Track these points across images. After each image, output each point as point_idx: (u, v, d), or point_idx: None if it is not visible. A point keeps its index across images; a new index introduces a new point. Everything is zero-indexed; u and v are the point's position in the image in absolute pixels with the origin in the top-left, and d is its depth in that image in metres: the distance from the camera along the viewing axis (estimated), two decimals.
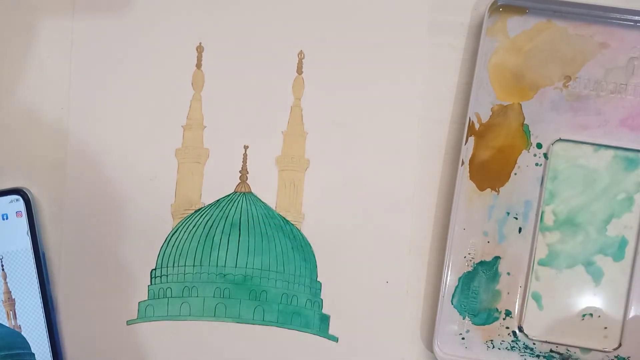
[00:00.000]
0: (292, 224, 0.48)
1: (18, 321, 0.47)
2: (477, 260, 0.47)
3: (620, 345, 0.46)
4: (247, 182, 0.48)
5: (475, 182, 0.47)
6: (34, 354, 0.47)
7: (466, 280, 0.47)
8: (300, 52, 0.48)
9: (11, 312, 0.47)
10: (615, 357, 0.46)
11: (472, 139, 0.47)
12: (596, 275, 0.46)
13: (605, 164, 0.46)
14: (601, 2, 0.45)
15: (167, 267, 0.48)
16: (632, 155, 0.46)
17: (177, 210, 0.48)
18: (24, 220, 0.47)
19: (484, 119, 0.47)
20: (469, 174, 0.47)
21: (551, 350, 0.47)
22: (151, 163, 0.48)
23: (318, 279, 0.48)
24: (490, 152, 0.47)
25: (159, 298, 0.48)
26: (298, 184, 0.48)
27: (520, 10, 0.46)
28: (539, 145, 0.47)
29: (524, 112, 0.47)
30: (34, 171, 0.48)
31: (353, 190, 0.47)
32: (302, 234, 0.48)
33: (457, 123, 0.47)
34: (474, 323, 0.47)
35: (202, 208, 0.48)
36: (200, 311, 0.48)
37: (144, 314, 0.48)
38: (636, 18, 0.46)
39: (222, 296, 0.48)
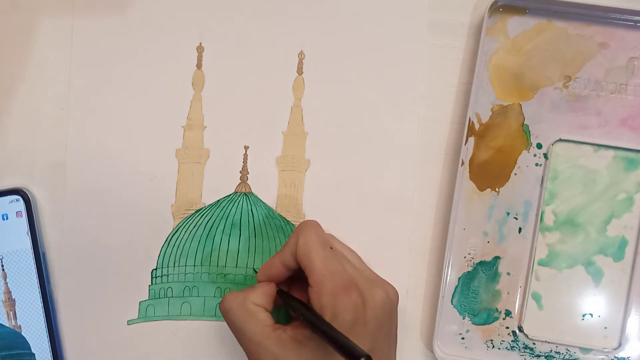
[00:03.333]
0: (293, 224, 0.48)
1: (18, 321, 0.47)
2: (477, 260, 0.47)
3: (620, 345, 0.46)
4: (248, 182, 0.48)
5: (475, 182, 0.47)
6: (34, 354, 0.47)
7: (466, 280, 0.47)
8: (300, 52, 0.48)
9: (11, 312, 0.47)
10: (615, 357, 0.46)
11: (472, 139, 0.47)
12: (596, 276, 0.46)
13: (606, 164, 0.46)
14: (601, 2, 0.45)
15: (167, 267, 0.48)
16: (632, 155, 0.46)
17: (177, 211, 0.48)
18: (24, 220, 0.47)
19: (484, 119, 0.47)
20: (468, 174, 0.47)
21: (551, 351, 0.47)
22: (151, 163, 0.48)
23: None
24: (490, 152, 0.47)
25: (159, 298, 0.48)
26: (298, 184, 0.48)
27: (520, 10, 0.46)
28: (539, 146, 0.47)
29: (524, 112, 0.47)
30: (34, 171, 0.48)
31: (353, 191, 0.47)
32: None
33: (457, 123, 0.47)
34: (474, 323, 0.47)
35: (202, 208, 0.48)
36: (201, 311, 0.48)
37: (145, 313, 0.48)
38: (636, 18, 0.46)
39: (222, 296, 0.48)
